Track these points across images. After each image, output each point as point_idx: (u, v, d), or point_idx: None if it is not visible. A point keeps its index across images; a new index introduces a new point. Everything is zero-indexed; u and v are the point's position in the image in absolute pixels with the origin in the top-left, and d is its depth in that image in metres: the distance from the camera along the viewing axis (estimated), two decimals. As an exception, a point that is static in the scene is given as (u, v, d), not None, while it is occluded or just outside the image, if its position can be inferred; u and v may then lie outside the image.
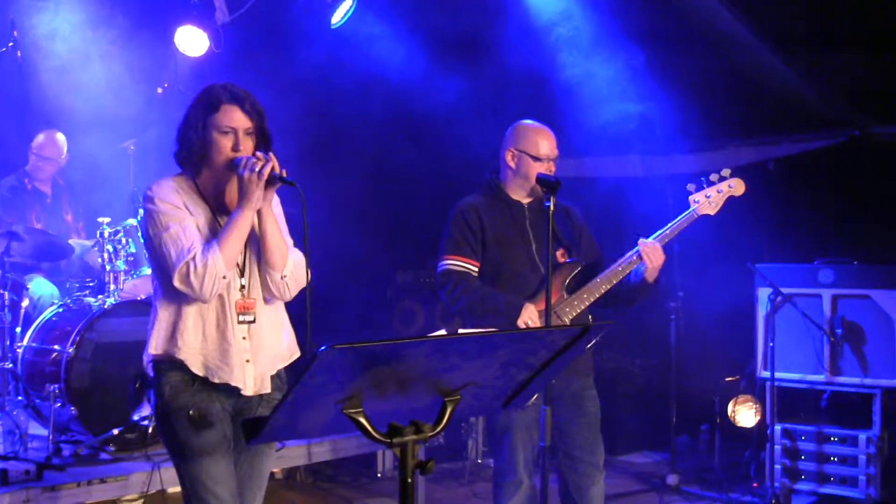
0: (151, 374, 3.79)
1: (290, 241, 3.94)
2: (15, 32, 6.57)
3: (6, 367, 6.20)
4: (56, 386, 5.92)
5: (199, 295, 3.64)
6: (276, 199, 3.94)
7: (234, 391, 3.76)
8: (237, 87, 3.81)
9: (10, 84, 7.76)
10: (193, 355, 3.70)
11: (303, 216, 3.61)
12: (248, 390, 3.77)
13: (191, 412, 3.70)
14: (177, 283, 3.61)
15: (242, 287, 3.80)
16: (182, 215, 3.71)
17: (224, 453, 3.75)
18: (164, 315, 3.75)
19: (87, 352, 6.06)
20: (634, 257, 4.75)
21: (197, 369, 3.70)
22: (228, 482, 3.75)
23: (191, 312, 3.72)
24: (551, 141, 4.85)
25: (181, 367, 3.71)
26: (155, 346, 3.74)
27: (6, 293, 6.26)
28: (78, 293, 6.75)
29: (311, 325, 3.80)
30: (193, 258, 3.60)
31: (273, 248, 3.77)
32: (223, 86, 3.80)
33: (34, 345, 6.34)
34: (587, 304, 4.74)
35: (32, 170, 7.40)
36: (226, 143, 3.72)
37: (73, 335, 6.01)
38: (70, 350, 5.97)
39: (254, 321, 3.80)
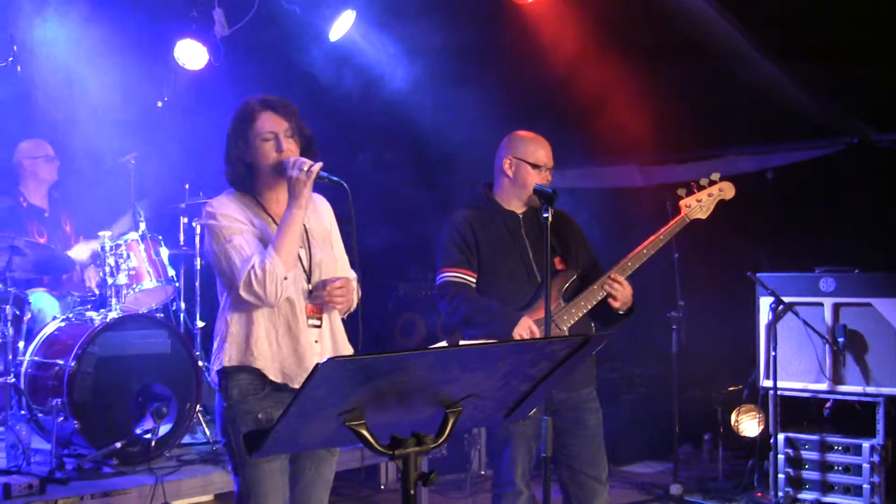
0: (216, 381, 3.88)
1: (343, 254, 4.17)
2: (15, 47, 6.58)
3: (9, 381, 6.20)
4: (58, 400, 5.92)
5: (265, 301, 3.73)
6: (328, 208, 4.17)
7: None
8: (269, 95, 3.95)
9: (9, 99, 7.76)
10: (270, 363, 3.80)
11: (350, 215, 3.84)
12: None
13: (259, 416, 3.77)
14: (243, 293, 3.71)
15: (310, 292, 3.92)
16: (243, 227, 3.82)
17: (283, 464, 3.86)
18: (235, 327, 3.83)
19: (90, 366, 6.06)
20: (599, 288, 4.72)
21: (274, 376, 3.80)
22: (282, 494, 3.85)
23: (261, 321, 3.81)
24: (548, 150, 4.86)
25: (252, 371, 3.80)
26: (229, 358, 3.81)
27: (8, 307, 6.26)
28: (80, 307, 6.75)
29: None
30: (253, 266, 3.69)
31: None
32: (255, 98, 3.94)
33: (36, 359, 6.33)
34: (584, 311, 4.73)
35: (29, 181, 7.34)
36: (269, 147, 3.86)
37: (76, 349, 6.01)
38: (72, 364, 5.97)
39: (321, 326, 3.93)
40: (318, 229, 4.05)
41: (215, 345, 3.91)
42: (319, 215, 4.11)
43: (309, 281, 3.92)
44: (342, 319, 4.10)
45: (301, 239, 3.88)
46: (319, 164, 3.79)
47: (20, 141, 7.43)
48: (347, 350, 4.03)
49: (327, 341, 3.94)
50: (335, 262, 4.09)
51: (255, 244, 3.79)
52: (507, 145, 4.91)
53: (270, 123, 3.85)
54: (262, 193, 3.95)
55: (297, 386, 3.77)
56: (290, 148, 3.87)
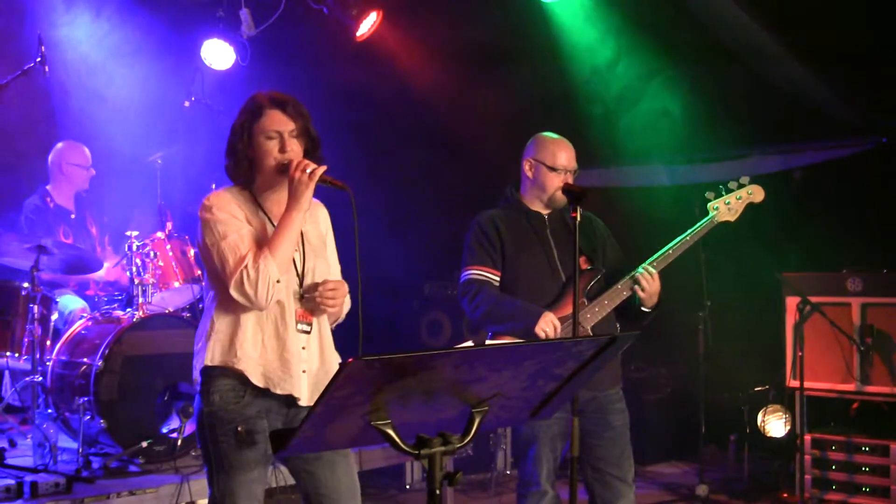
0: (199, 381, 3.76)
1: (336, 261, 4.08)
2: (42, 48, 6.60)
3: (36, 380, 6.23)
4: (85, 399, 5.94)
5: (255, 302, 3.62)
6: (326, 215, 4.07)
7: (288, 402, 3.76)
8: (280, 92, 3.86)
9: (37, 99, 7.80)
10: (253, 366, 3.68)
11: (353, 219, 3.67)
12: (304, 401, 3.76)
13: (238, 428, 3.67)
14: (233, 292, 3.60)
15: (302, 296, 3.81)
16: (239, 225, 3.72)
17: (262, 473, 3.77)
18: (221, 326, 3.73)
19: (116, 365, 6.08)
20: (629, 282, 4.72)
21: (256, 380, 3.68)
22: (259, 501, 3.78)
23: (249, 322, 3.71)
24: (569, 152, 4.85)
25: (234, 376, 3.69)
26: (211, 357, 3.70)
27: (36, 307, 6.29)
28: (107, 306, 6.78)
29: (339, 338, 3.89)
30: (246, 266, 3.59)
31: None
32: (265, 93, 3.84)
33: (63, 358, 6.37)
34: (607, 310, 4.72)
35: (61, 183, 7.33)
36: (273, 146, 3.75)
37: (102, 348, 6.03)
38: (99, 363, 5.99)
39: (310, 332, 3.82)
40: (314, 234, 3.97)
41: (199, 344, 3.79)
42: (316, 221, 4.01)
43: (301, 285, 3.82)
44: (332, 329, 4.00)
45: (296, 243, 3.80)
46: (323, 168, 3.70)
47: (47, 141, 7.45)
48: (335, 359, 3.92)
49: (315, 348, 3.84)
50: (328, 269, 4.00)
51: (251, 243, 3.69)
52: (529, 147, 4.93)
53: (277, 122, 3.75)
54: (261, 191, 3.85)
55: (279, 392, 3.71)
56: (294, 149, 3.77)
